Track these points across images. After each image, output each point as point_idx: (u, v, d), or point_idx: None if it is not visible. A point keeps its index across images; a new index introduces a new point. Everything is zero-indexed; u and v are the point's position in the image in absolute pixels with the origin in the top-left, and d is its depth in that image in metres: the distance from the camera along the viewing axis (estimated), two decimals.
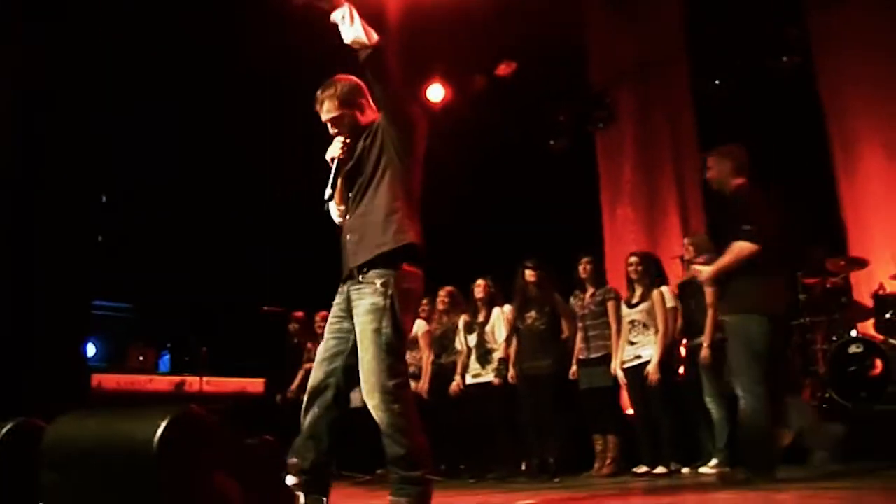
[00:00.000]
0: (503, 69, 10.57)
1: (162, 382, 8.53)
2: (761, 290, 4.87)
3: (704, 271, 5.24)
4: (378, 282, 3.56)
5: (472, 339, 7.52)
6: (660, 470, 6.36)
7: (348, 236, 3.75)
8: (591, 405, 6.89)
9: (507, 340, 7.35)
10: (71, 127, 8.44)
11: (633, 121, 10.55)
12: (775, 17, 9.09)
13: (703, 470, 6.27)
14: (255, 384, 8.91)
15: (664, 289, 6.75)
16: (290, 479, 2.98)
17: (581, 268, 7.16)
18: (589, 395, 6.92)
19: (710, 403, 6.36)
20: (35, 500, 2.99)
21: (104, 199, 9.37)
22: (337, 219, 3.94)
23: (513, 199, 10.34)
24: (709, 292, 6.15)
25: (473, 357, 7.49)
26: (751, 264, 4.85)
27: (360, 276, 3.62)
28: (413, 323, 3.89)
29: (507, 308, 7.44)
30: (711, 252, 6.40)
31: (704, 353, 6.31)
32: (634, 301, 6.76)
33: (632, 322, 6.73)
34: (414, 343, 7.67)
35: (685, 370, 6.77)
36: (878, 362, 6.80)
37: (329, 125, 3.82)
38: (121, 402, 7.85)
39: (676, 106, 10.16)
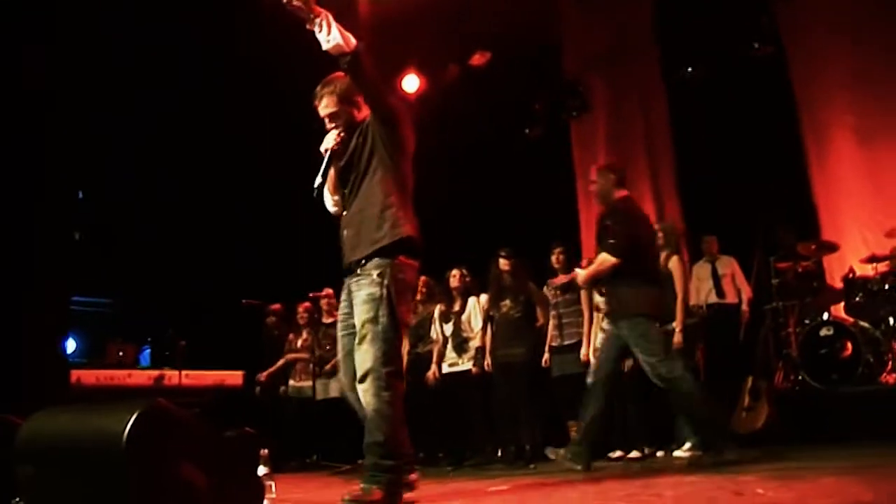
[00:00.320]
0: (477, 59, 10.58)
1: (141, 377, 8.53)
2: (633, 297, 5.32)
3: (581, 275, 5.65)
4: (374, 273, 3.74)
5: (448, 329, 7.59)
6: (634, 454, 6.45)
7: (345, 232, 3.94)
8: (565, 392, 6.96)
9: (484, 329, 7.42)
10: (47, 122, 8.41)
11: (607, 109, 10.62)
12: (746, 5, 9.17)
13: (677, 454, 6.34)
14: (235, 377, 8.93)
15: None
16: (262, 470, 3.03)
17: (554, 257, 7.23)
18: (562, 382, 6.99)
19: None
20: (12, 493, 3.06)
21: (81, 195, 9.33)
22: (331, 208, 4.12)
23: (488, 189, 10.38)
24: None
25: (450, 346, 7.56)
26: (635, 273, 5.27)
27: (359, 270, 3.81)
28: (409, 313, 4.02)
29: (483, 297, 7.52)
30: (678, 240, 6.61)
31: (677, 338, 6.39)
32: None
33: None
34: None
35: None
36: (849, 344, 6.90)
37: (327, 120, 3.98)
38: (100, 397, 7.85)
39: (649, 94, 10.24)
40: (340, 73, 3.88)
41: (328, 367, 8.41)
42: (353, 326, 3.85)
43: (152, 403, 2.33)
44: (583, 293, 6.96)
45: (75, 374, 8.22)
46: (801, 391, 7.07)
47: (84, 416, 2.54)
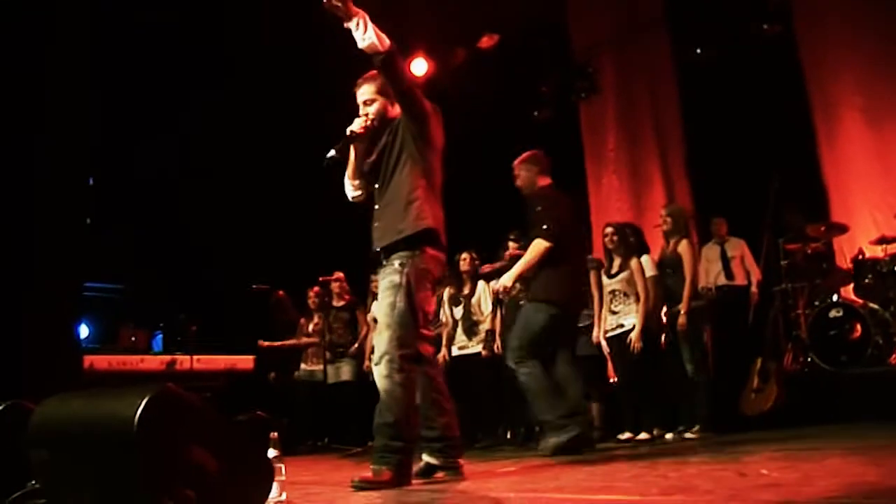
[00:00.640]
0: (486, 42, 10.57)
1: (153, 362, 8.59)
2: (550, 282, 5.37)
3: (504, 280, 5.48)
4: (396, 262, 3.92)
5: (458, 312, 7.63)
6: (643, 436, 6.49)
7: (375, 224, 4.11)
8: None
9: (494, 312, 7.46)
10: (58, 108, 8.44)
11: (616, 91, 10.60)
12: None
13: (685, 435, 6.40)
14: (246, 361, 8.98)
15: (644, 258, 6.84)
16: (272, 452, 3.08)
17: None
18: None
19: (690, 370, 6.49)
20: (27, 477, 3.11)
21: (92, 181, 9.37)
22: (350, 193, 4.30)
23: (497, 171, 10.37)
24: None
25: (460, 329, 7.60)
26: (557, 259, 5.34)
27: (384, 260, 4.00)
28: (430, 302, 4.16)
29: (493, 280, 7.54)
30: (687, 223, 6.62)
31: (681, 319, 6.45)
32: (613, 271, 6.85)
33: (612, 292, 6.82)
34: None
35: (666, 338, 6.88)
36: (858, 326, 6.90)
37: (362, 106, 4.17)
38: (113, 382, 7.91)
39: (658, 75, 10.20)
40: (375, 72, 4.05)
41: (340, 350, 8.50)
42: None
43: (162, 388, 2.36)
44: (592, 275, 6.97)
45: (88, 360, 8.29)
46: (810, 373, 7.08)
47: (96, 401, 2.58)
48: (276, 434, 3.17)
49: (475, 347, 7.49)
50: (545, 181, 5.67)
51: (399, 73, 3.95)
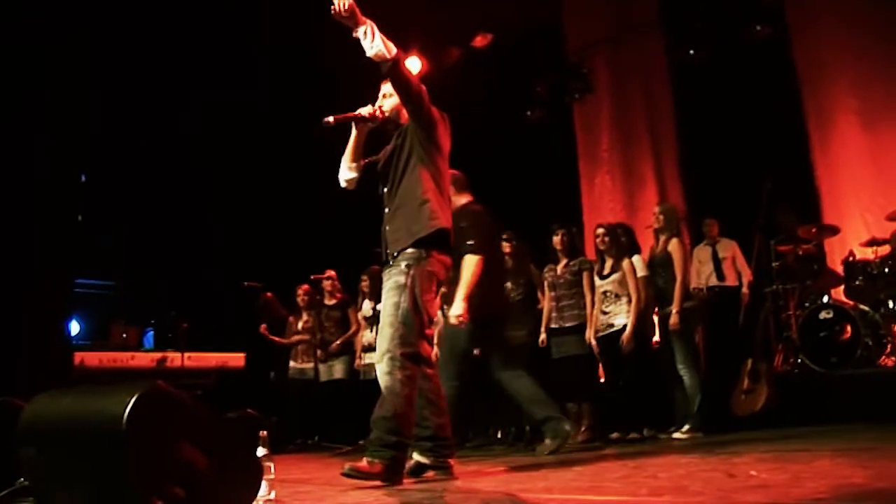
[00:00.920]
0: (479, 41, 10.58)
1: (144, 359, 8.58)
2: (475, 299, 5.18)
3: (455, 310, 5.14)
4: (403, 263, 3.99)
5: None
6: (633, 436, 6.50)
7: (386, 227, 4.18)
8: (565, 374, 7.01)
9: None
10: (51, 105, 8.43)
11: (610, 91, 10.62)
12: None
13: (675, 435, 6.41)
14: (237, 359, 8.98)
15: (635, 258, 6.85)
16: (261, 451, 3.09)
17: (557, 238, 7.21)
18: (562, 364, 7.02)
19: (682, 370, 6.51)
20: (16, 474, 3.10)
21: (83, 178, 9.35)
22: (344, 176, 4.36)
23: (490, 171, 10.39)
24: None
25: None
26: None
27: (392, 261, 4.07)
28: (433, 304, 4.16)
29: None
30: (679, 223, 6.64)
31: (673, 319, 6.46)
32: (605, 272, 6.85)
33: (604, 292, 6.83)
34: None
35: (658, 338, 6.90)
36: (848, 327, 6.92)
37: (381, 97, 4.29)
38: (103, 379, 7.91)
39: (652, 76, 10.23)
40: None
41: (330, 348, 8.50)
42: None
43: (152, 385, 2.36)
44: (584, 275, 6.98)
45: (79, 357, 8.29)
46: (800, 374, 7.10)
47: (85, 399, 2.57)
48: (265, 432, 3.17)
49: None
50: (466, 198, 5.67)
51: (406, 80, 4.01)
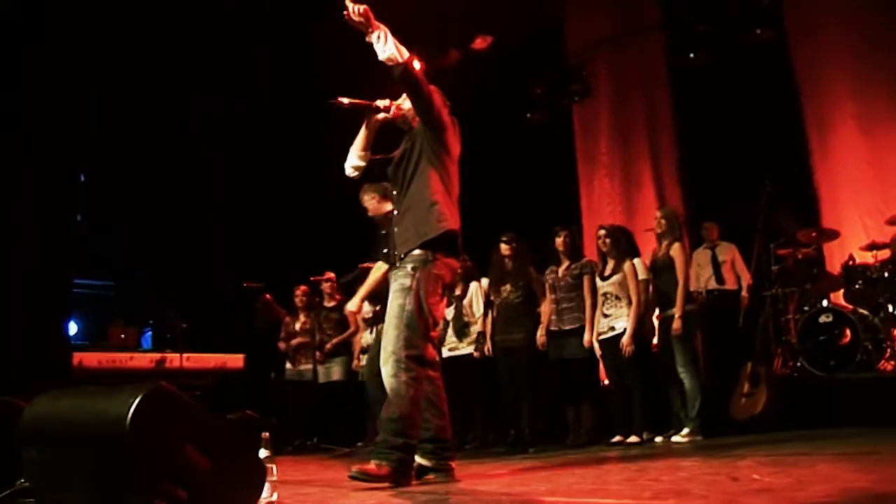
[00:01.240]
0: (479, 43, 10.56)
1: (143, 360, 8.57)
2: None
3: (351, 305, 5.76)
4: (409, 265, 4.02)
5: (450, 313, 7.59)
6: (633, 439, 6.48)
7: (395, 229, 4.23)
8: (564, 376, 6.99)
9: (485, 314, 7.45)
10: (51, 105, 8.42)
11: (609, 94, 10.62)
12: None
13: (675, 439, 6.40)
14: (235, 360, 8.96)
15: (636, 261, 6.84)
16: (264, 452, 3.08)
17: (560, 240, 7.20)
18: (561, 367, 7.01)
19: (682, 373, 6.49)
20: (17, 475, 3.09)
21: (83, 177, 9.34)
22: (351, 164, 4.42)
23: (489, 173, 10.39)
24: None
25: (450, 330, 7.56)
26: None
27: (398, 263, 4.11)
28: (438, 307, 4.19)
29: (485, 282, 7.53)
30: (680, 227, 6.64)
31: (676, 324, 6.44)
32: (606, 274, 6.84)
33: (605, 294, 6.82)
34: None
35: (659, 341, 6.89)
36: (848, 331, 6.92)
37: (403, 97, 4.36)
38: (102, 380, 7.88)
39: (652, 79, 10.23)
40: None
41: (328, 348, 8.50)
42: None
43: (156, 386, 2.36)
44: (585, 279, 6.97)
45: (77, 357, 8.27)
46: (799, 377, 7.09)
47: (87, 400, 2.56)
48: (267, 434, 3.17)
49: (466, 349, 7.47)
50: (388, 207, 5.72)
51: (417, 85, 4.06)
